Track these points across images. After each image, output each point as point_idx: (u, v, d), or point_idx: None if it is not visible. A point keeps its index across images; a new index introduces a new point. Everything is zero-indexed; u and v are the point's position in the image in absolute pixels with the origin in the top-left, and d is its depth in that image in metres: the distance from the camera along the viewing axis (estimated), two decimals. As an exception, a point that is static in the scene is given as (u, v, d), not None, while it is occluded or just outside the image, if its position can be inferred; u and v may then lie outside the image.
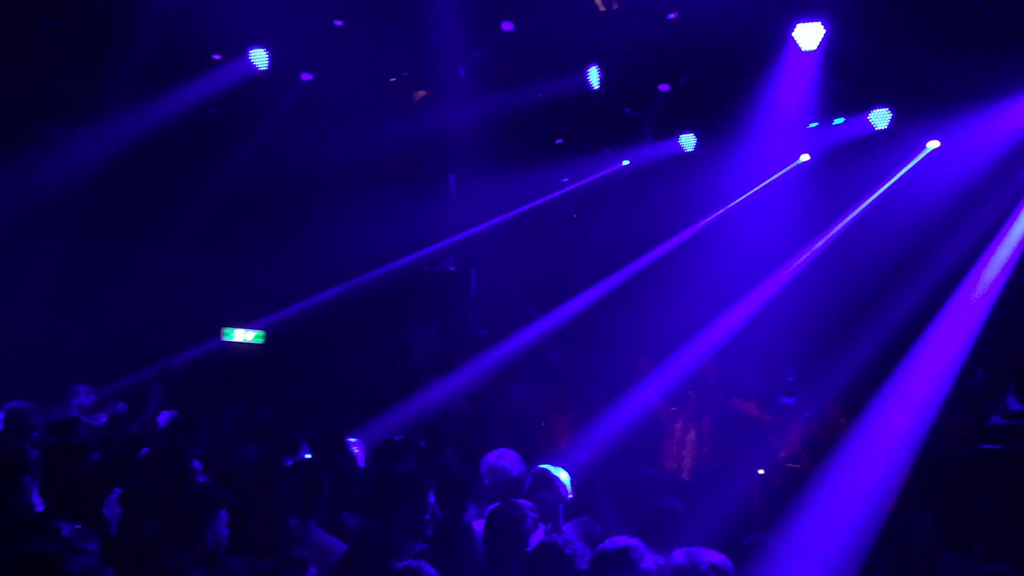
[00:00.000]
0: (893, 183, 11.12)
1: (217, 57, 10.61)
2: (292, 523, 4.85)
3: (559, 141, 12.30)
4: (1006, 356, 9.71)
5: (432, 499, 4.71)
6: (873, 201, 11.32)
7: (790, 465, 9.37)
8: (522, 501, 4.47)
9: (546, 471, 5.24)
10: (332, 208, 11.85)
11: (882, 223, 11.05)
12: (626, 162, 12.49)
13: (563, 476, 5.26)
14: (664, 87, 10.81)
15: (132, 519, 4.81)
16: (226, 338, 12.01)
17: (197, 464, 5.52)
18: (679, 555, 3.66)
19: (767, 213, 11.67)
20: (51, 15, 9.57)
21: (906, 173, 11.01)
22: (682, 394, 10.36)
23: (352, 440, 6.42)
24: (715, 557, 3.67)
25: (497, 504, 4.57)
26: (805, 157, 11.59)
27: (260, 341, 12.09)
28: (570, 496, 5.21)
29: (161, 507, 4.52)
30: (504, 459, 5.34)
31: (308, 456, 6.06)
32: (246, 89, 10.75)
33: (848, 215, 11.49)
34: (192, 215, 11.74)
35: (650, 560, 3.73)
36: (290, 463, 5.69)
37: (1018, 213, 10.12)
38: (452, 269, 12.85)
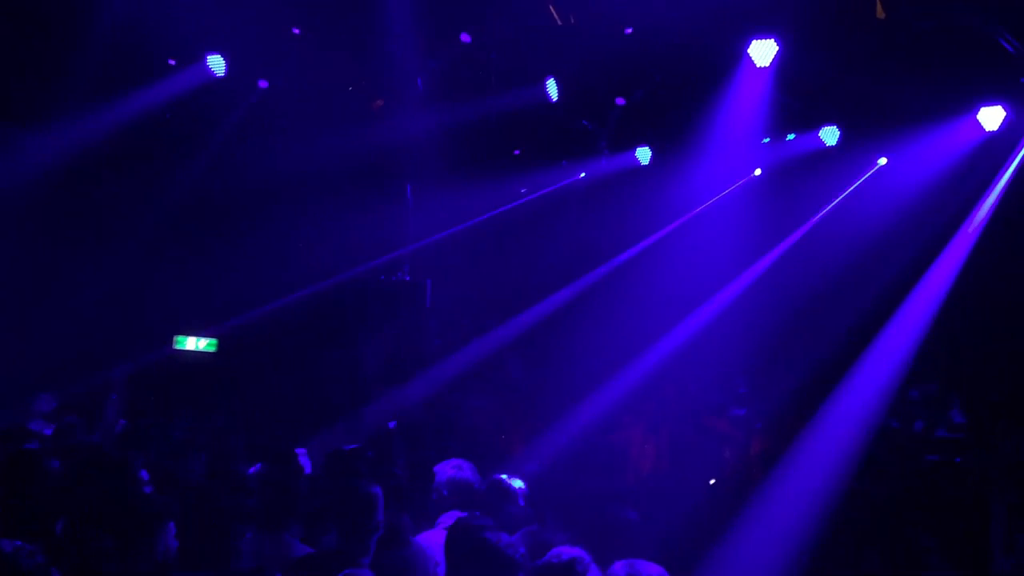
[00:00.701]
0: (843, 198, 11.34)
1: (172, 62, 10.51)
2: (249, 535, 4.81)
3: (517, 152, 12.36)
4: (951, 369, 9.95)
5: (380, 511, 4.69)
6: (823, 215, 11.53)
7: (740, 475, 9.51)
8: (478, 514, 4.47)
9: (503, 481, 5.24)
10: (287, 216, 11.77)
11: (832, 237, 11.24)
12: (582, 174, 12.58)
13: (518, 486, 5.26)
14: (620, 100, 10.93)
15: (79, 531, 4.73)
16: (178, 346, 11.86)
17: (144, 475, 5.45)
18: (619, 567, 3.66)
19: (721, 226, 11.82)
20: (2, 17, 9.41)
21: (856, 188, 11.23)
22: (638, 405, 10.46)
23: (299, 451, 6.38)
24: (655, 570, 3.67)
25: (456, 515, 4.56)
26: (757, 172, 11.78)
27: (212, 349, 11.96)
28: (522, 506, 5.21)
29: (108, 519, 4.45)
30: (463, 470, 5.32)
31: (257, 467, 6.01)
32: (202, 95, 10.65)
33: (800, 229, 11.69)
34: (145, 222, 11.57)
35: (596, 572, 3.73)
36: (245, 472, 5.64)
37: (963, 229, 10.39)
38: (407, 279, 12.82)
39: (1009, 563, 7.15)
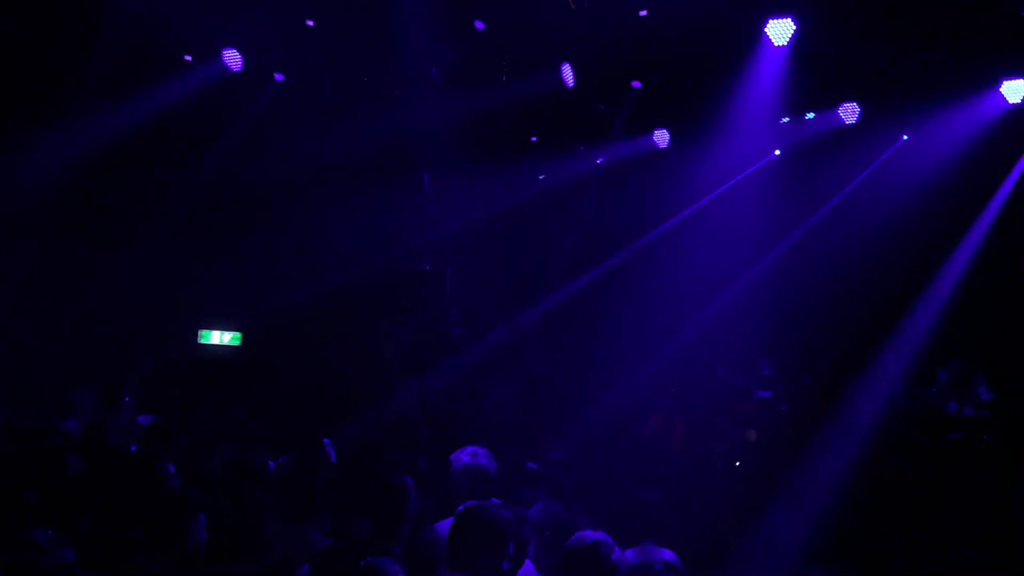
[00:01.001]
0: (865, 176, 11.23)
1: (188, 58, 10.55)
2: (273, 527, 4.85)
3: (534, 139, 12.32)
4: (976, 346, 9.85)
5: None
6: (845, 194, 11.43)
7: (766, 457, 9.46)
8: (497, 501, 4.48)
9: (517, 465, 5.24)
10: (306, 209, 11.80)
11: (855, 215, 11.15)
12: (600, 160, 12.53)
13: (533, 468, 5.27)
14: (637, 84, 10.86)
15: (108, 525, 4.79)
16: (203, 340, 11.97)
17: (171, 468, 5.51)
18: (632, 554, 3.68)
19: (742, 207, 11.74)
20: (15, 18, 9.48)
21: (878, 166, 11.12)
22: (662, 388, 10.43)
23: (324, 441, 6.42)
24: (667, 554, 3.68)
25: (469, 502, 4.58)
26: (777, 152, 11.69)
27: (237, 343, 12.05)
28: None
29: (137, 513, 4.50)
30: (479, 457, 5.32)
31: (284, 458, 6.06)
32: (219, 90, 10.69)
33: (822, 208, 11.60)
34: (167, 218, 11.66)
35: (619, 555, 3.75)
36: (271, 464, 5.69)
37: (988, 206, 10.28)
38: (427, 268, 12.84)
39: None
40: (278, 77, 10.95)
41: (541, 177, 12.64)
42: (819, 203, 11.61)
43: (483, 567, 3.77)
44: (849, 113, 10.51)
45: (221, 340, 12.00)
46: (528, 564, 4.44)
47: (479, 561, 3.76)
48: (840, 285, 10.94)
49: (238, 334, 11.97)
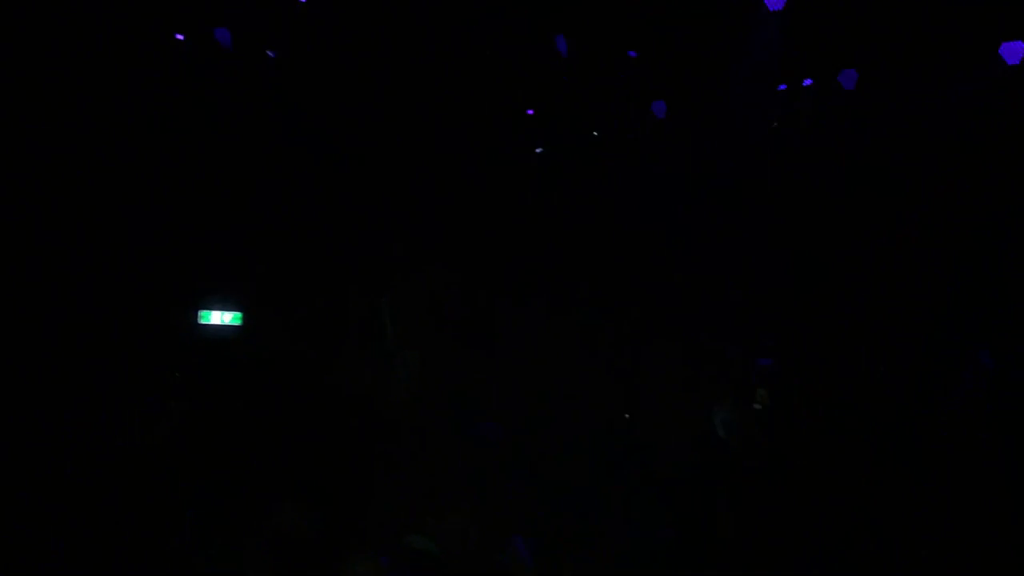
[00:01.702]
0: (862, 141, 11.08)
1: (180, 37, 10.53)
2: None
3: (530, 112, 12.22)
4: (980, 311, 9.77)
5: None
6: (844, 161, 11.28)
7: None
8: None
9: None
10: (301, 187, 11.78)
11: (855, 182, 11.02)
12: (595, 132, 12.43)
13: None
14: (632, 53, 10.76)
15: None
16: (203, 321, 11.97)
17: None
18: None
19: (740, 175, 11.62)
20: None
21: (875, 130, 10.96)
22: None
23: None
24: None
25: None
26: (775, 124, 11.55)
27: (238, 323, 12.06)
28: None
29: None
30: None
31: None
32: (212, 68, 10.66)
33: (819, 176, 11.46)
34: (163, 196, 11.65)
35: None
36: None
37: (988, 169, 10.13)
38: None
39: None
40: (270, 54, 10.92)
41: (538, 151, 12.55)
42: (818, 170, 11.47)
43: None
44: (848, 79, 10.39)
45: (222, 320, 12.01)
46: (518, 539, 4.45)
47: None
48: (842, 254, 10.84)
49: (239, 314, 11.98)
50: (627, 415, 8.95)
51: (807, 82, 10.92)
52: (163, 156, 11.33)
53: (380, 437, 6.87)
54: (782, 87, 10.99)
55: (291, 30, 10.43)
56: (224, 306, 11.90)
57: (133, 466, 5.99)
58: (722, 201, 11.28)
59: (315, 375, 10.41)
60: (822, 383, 9.33)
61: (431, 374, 9.87)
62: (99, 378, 8.95)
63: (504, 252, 11.78)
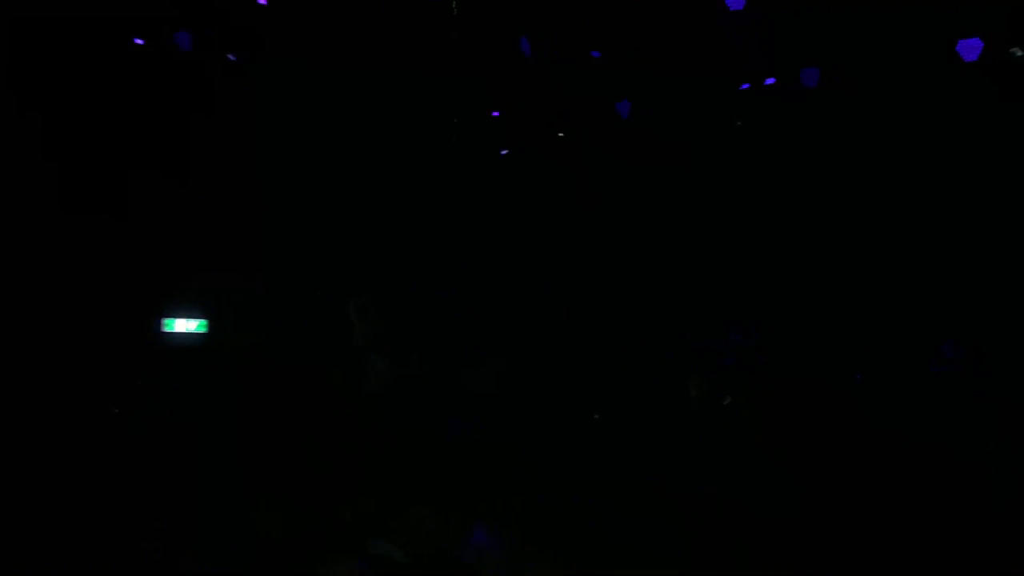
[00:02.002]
0: (826, 139, 11.18)
1: (139, 42, 10.39)
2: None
3: (495, 113, 12.21)
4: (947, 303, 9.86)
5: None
6: (808, 159, 11.38)
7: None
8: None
9: None
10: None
11: (819, 180, 11.12)
12: (560, 134, 12.45)
13: None
14: (595, 53, 10.75)
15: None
16: (167, 328, 11.83)
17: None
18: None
19: (704, 175, 11.69)
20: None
21: (838, 129, 11.07)
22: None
23: None
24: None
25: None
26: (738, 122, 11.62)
27: (203, 331, 11.93)
28: None
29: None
30: None
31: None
32: (171, 71, 10.54)
33: (785, 174, 11.55)
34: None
35: None
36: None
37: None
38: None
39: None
40: (231, 57, 10.81)
41: (503, 153, 12.55)
42: (782, 169, 11.56)
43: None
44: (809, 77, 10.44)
45: (187, 328, 11.87)
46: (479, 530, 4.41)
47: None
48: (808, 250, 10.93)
49: (204, 321, 11.85)
50: (596, 415, 8.92)
51: (769, 81, 10.98)
52: (123, 158, 11.21)
53: (348, 438, 6.80)
54: (744, 86, 11.05)
55: (253, 32, 10.34)
56: (189, 313, 11.78)
57: (96, 475, 5.89)
58: (690, 198, 11.34)
59: (283, 378, 10.31)
60: (793, 377, 9.37)
61: (401, 375, 9.79)
62: (59, 388, 8.80)
63: (474, 251, 11.78)
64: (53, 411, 8.17)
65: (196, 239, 11.27)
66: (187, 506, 4.87)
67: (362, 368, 9.81)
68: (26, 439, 6.74)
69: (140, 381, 10.23)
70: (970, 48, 9.51)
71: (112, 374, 10.16)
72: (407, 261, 11.66)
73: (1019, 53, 9.22)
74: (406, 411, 7.45)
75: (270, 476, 5.09)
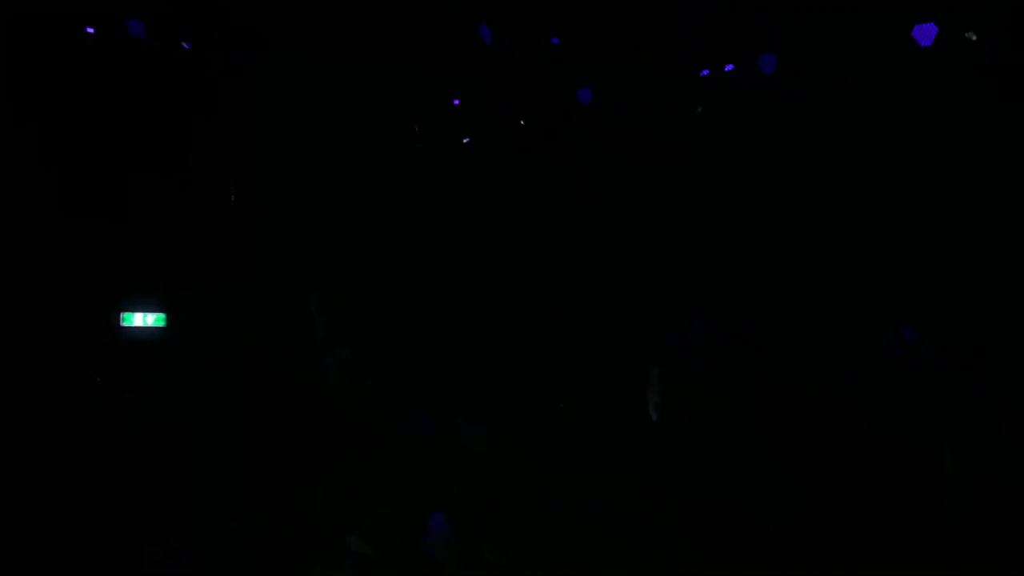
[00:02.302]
0: (786, 128, 11.25)
1: (91, 31, 10.21)
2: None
3: (456, 102, 12.15)
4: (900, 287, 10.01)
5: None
6: (770, 148, 11.44)
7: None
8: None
9: None
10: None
11: (782, 169, 11.18)
12: (522, 121, 12.40)
13: None
14: (555, 40, 10.76)
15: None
16: (125, 323, 11.64)
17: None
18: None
19: (669, 166, 11.70)
20: None
21: (799, 117, 11.15)
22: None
23: None
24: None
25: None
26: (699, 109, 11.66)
27: (162, 325, 11.76)
28: None
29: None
30: None
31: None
32: (127, 61, 10.37)
33: (747, 164, 11.60)
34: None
35: None
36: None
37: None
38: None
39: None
40: (185, 46, 10.64)
41: (465, 141, 12.49)
42: (744, 158, 11.61)
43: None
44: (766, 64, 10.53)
45: (145, 323, 11.69)
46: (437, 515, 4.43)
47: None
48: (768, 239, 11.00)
49: (162, 315, 11.68)
50: (561, 404, 8.96)
51: (728, 67, 11.05)
52: (79, 150, 11.00)
53: (316, 435, 6.76)
54: (704, 72, 11.10)
55: (209, 22, 10.21)
56: (147, 307, 11.60)
57: (60, 475, 5.81)
58: (656, 191, 11.37)
59: (246, 374, 10.23)
60: (754, 367, 9.45)
61: (365, 371, 9.76)
62: (16, 386, 8.66)
63: (440, 247, 11.75)
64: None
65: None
66: (153, 507, 4.81)
67: (326, 361, 9.78)
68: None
69: (98, 378, 10.12)
70: (925, 32, 9.64)
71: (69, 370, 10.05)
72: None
73: (974, 37, 9.35)
74: (373, 405, 7.43)
75: (237, 476, 5.04)
